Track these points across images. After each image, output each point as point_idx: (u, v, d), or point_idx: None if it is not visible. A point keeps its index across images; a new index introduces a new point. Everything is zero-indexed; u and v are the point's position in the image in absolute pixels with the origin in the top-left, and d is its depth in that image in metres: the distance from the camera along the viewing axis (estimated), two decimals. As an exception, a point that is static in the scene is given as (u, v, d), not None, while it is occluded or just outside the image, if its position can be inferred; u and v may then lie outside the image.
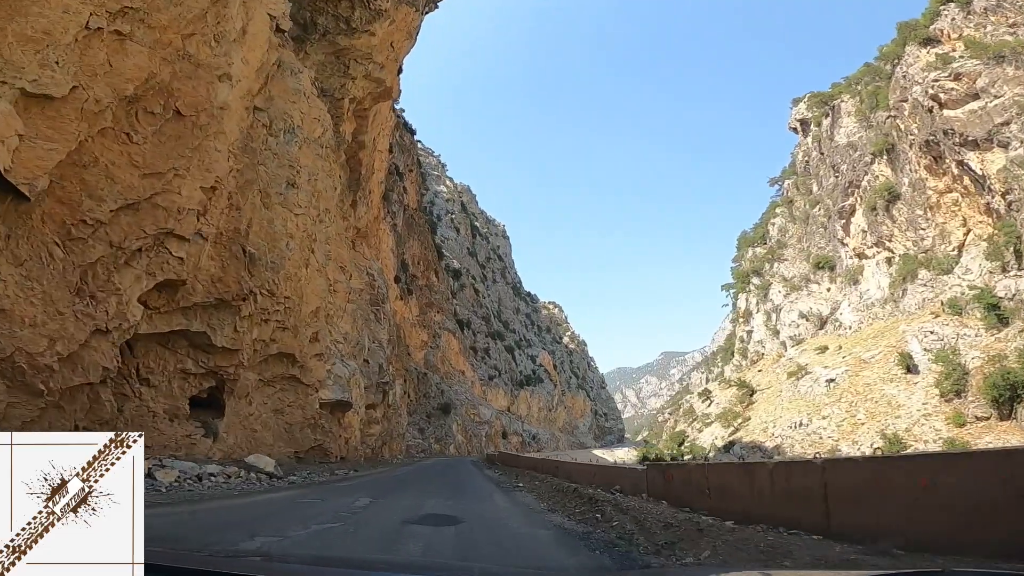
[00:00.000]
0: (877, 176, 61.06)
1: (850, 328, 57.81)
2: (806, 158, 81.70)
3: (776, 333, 66.41)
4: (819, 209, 72.40)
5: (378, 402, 26.36)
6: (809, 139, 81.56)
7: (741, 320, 73.69)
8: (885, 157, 60.89)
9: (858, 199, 64.38)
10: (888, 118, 60.99)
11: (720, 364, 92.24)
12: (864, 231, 62.58)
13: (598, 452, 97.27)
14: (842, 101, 73.07)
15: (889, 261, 59.03)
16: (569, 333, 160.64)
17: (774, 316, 68.07)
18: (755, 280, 75.08)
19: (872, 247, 61.22)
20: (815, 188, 76.36)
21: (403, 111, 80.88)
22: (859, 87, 69.30)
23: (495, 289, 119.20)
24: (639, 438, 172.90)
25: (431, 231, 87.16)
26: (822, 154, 76.21)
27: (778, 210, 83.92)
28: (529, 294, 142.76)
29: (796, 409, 41.08)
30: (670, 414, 80.00)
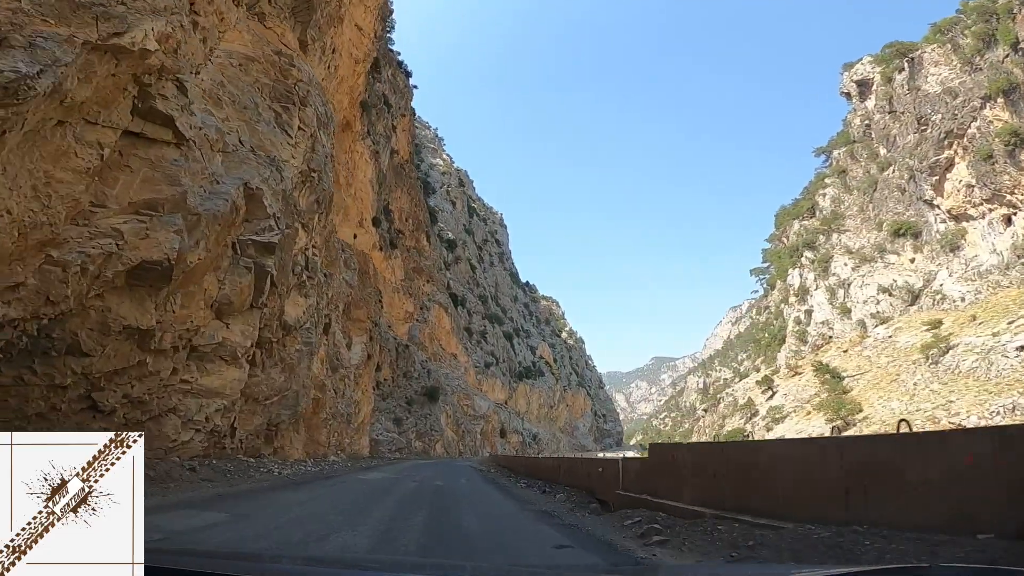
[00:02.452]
0: (991, 121, 46.90)
1: (962, 300, 42.95)
2: (866, 122, 67.99)
3: (846, 312, 51.26)
4: (893, 171, 57.97)
5: (247, 318, 10.18)
6: (870, 102, 68.37)
7: (794, 299, 58.34)
8: (1001, 100, 46.88)
9: (959, 151, 49.87)
10: (1008, 55, 47.20)
11: (751, 357, 76.73)
12: (970, 186, 48.03)
13: (602, 456, 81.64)
14: (924, 52, 60.06)
15: (1009, 219, 44.51)
16: (567, 329, 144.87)
17: (841, 292, 52.97)
18: (808, 254, 60.05)
19: (981, 204, 46.66)
20: (883, 151, 62.33)
21: (399, 54, 65.57)
22: (951, 33, 56.20)
23: (492, 273, 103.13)
24: (632, 442, 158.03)
25: (424, 192, 70.88)
26: (892, 112, 62.59)
27: (828, 180, 69.79)
28: (527, 283, 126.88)
29: (975, 389, 25.94)
30: (704, 411, 64.47)
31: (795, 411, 39.92)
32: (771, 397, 47.17)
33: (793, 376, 47.35)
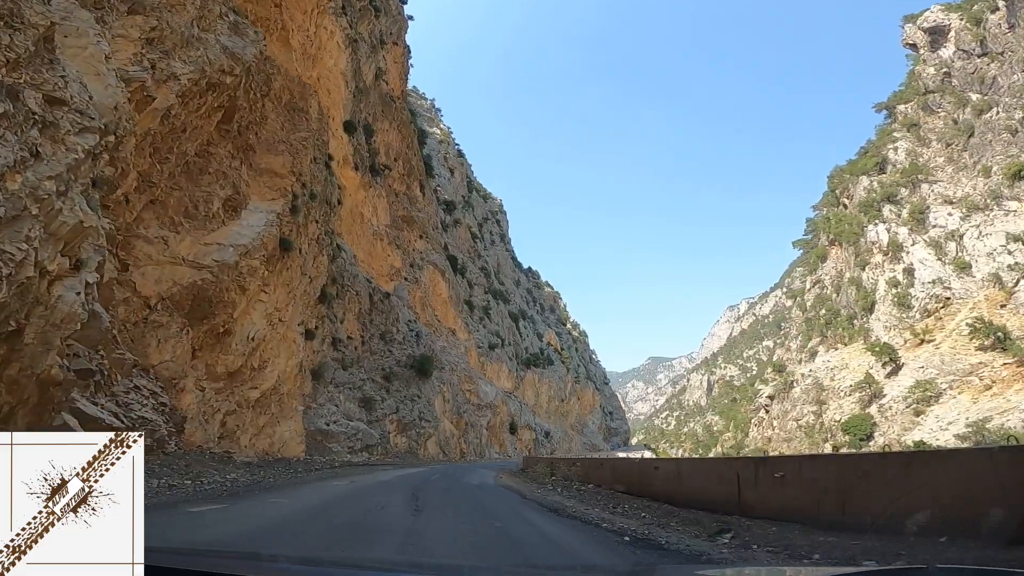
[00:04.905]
0: None
1: None
2: (943, 69, 56.46)
3: (963, 267, 38.41)
4: (998, 112, 45.63)
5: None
6: (945, 49, 57.05)
7: (882, 257, 45.20)
8: None
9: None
10: None
11: (787, 341, 63.25)
12: None
13: (620, 455, 67.91)
14: (1023, -9, 48.76)
15: None
16: (571, 321, 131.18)
17: (952, 246, 40.15)
18: (890, 208, 47.24)
19: None
20: (974, 96, 50.57)
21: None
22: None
23: (494, 251, 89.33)
24: (634, 441, 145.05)
25: (419, 141, 57.00)
26: (985, 54, 51.48)
27: (897, 134, 57.55)
28: (530, 269, 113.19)
29: None
30: (770, 399, 51.21)
31: (951, 386, 27.08)
32: (892, 373, 34.16)
33: (919, 345, 34.34)
